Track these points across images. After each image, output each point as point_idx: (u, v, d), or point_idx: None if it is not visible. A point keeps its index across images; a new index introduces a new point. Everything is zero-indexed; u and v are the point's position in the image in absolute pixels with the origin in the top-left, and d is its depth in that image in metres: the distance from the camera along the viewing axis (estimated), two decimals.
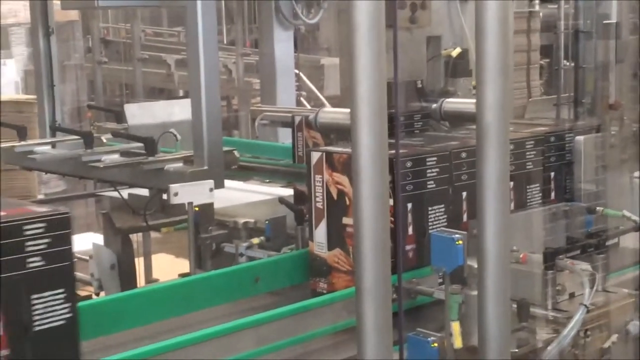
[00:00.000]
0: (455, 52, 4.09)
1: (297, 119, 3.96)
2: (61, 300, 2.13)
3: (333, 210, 2.89)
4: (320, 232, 2.93)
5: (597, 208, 3.06)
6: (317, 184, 2.92)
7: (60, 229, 2.13)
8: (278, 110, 5.22)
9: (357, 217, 2.01)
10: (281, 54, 6.24)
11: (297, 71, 8.40)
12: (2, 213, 2.11)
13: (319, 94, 9.24)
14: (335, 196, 2.87)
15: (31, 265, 2.08)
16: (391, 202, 2.62)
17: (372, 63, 1.91)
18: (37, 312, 2.10)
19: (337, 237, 2.88)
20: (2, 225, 2.04)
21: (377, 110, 1.93)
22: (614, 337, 2.72)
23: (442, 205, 2.91)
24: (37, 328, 2.11)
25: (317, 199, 2.92)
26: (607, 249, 2.81)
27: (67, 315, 2.15)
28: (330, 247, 2.91)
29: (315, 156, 2.94)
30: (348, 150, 2.76)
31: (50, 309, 2.12)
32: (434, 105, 3.74)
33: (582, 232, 3.00)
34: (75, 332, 2.19)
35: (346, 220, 2.83)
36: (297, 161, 4.03)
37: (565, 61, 7.91)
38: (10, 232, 2.05)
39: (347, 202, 2.82)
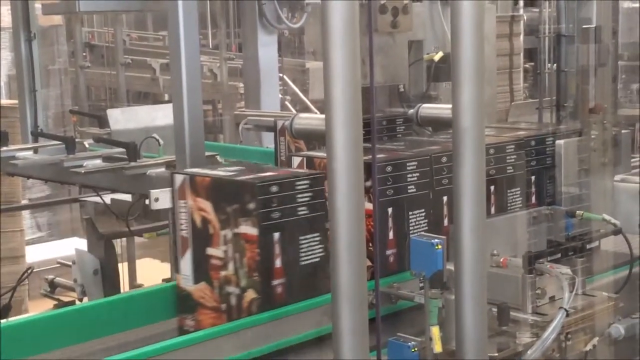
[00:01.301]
0: (437, 57, 4.10)
1: (280, 124, 3.95)
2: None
3: (198, 239, 2.68)
4: (186, 264, 2.74)
5: (577, 212, 3.07)
6: (181, 210, 2.71)
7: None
8: (262, 114, 5.22)
9: (333, 222, 2.01)
10: (265, 58, 6.24)
11: (281, 75, 8.41)
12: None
13: (303, 97, 9.25)
14: (199, 224, 2.67)
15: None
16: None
17: (346, 67, 1.92)
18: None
19: (203, 269, 2.69)
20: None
21: (351, 115, 1.94)
22: (595, 340, 2.73)
23: (423, 210, 2.91)
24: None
25: (182, 227, 2.71)
26: (587, 253, 2.82)
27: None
28: (196, 281, 2.72)
29: (178, 179, 2.72)
30: (213, 172, 2.71)
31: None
32: (411, 111, 3.75)
33: (562, 235, 3.01)
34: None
35: (210, 251, 2.65)
36: (279, 166, 4.01)
37: (549, 64, 7.95)
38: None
39: (211, 231, 2.64)
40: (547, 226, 3.03)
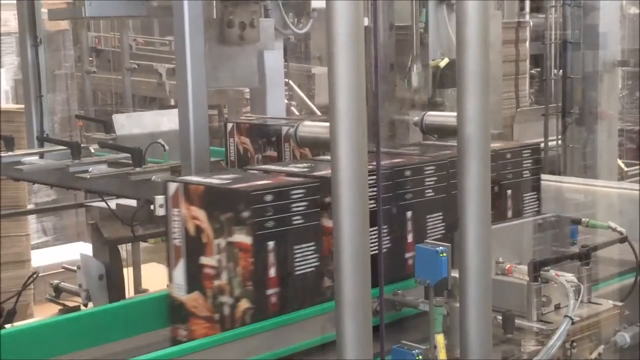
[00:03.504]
0: (443, 63, 4.10)
1: (229, 126, 4.03)
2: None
3: (191, 248, 2.65)
4: (179, 273, 2.69)
5: (583, 219, 3.06)
6: (175, 219, 2.68)
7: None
8: (267, 119, 5.21)
9: (337, 230, 2.01)
10: (271, 63, 6.23)
11: (287, 80, 8.40)
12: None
13: (309, 103, 9.25)
14: (192, 233, 2.63)
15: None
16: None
17: (351, 75, 1.92)
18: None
19: (196, 278, 2.65)
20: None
21: (356, 123, 1.94)
22: (601, 348, 2.72)
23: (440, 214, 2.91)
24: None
25: (175, 236, 2.68)
26: (593, 260, 2.81)
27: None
28: (189, 290, 2.68)
29: (172, 187, 2.68)
30: (205, 180, 2.68)
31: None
32: (416, 118, 3.75)
33: (568, 242, 3.00)
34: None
35: (204, 260, 2.61)
36: (229, 166, 4.05)
37: (555, 70, 7.95)
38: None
39: (205, 240, 2.60)
40: (552, 233, 3.02)
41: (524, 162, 3.24)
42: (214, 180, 2.66)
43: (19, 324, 3.63)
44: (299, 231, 2.57)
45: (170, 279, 2.71)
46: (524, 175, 3.23)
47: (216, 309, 2.59)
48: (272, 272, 2.52)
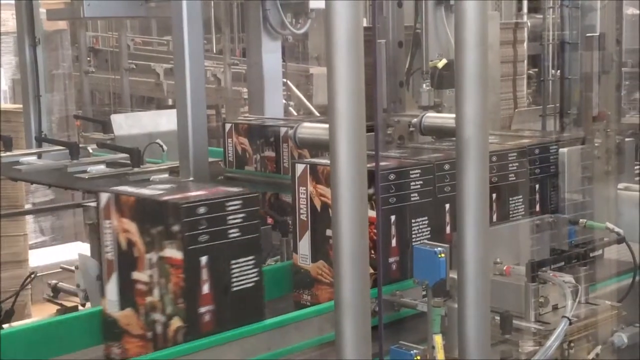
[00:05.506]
0: (441, 64, 4.11)
1: (228, 126, 4.05)
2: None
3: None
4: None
5: (580, 220, 3.07)
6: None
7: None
8: (265, 119, 5.22)
9: (336, 231, 2.02)
10: (269, 64, 6.23)
11: (285, 80, 8.41)
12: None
13: (307, 103, 9.26)
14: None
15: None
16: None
17: (350, 76, 1.93)
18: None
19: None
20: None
21: (355, 124, 1.94)
22: (598, 349, 2.72)
23: (425, 217, 2.93)
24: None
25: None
26: (591, 261, 2.82)
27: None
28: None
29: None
30: (138, 191, 2.55)
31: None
32: (414, 120, 3.76)
33: (565, 243, 3.01)
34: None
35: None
36: (227, 166, 4.08)
37: (553, 71, 7.95)
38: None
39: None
40: (550, 234, 3.03)
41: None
42: None
43: (17, 324, 3.63)
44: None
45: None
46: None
47: None
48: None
